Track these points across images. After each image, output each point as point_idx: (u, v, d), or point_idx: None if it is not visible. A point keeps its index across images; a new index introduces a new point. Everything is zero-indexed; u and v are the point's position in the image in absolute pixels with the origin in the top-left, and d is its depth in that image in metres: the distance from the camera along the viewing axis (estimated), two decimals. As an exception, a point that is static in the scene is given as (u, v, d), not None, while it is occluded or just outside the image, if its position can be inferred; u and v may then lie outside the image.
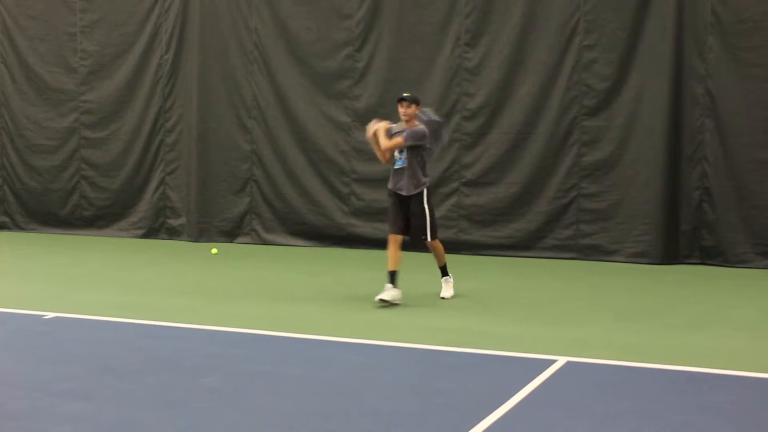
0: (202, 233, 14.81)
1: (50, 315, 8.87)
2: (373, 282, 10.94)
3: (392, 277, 9.63)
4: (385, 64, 13.77)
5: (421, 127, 9.71)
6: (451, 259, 12.91)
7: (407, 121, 9.73)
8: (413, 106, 9.70)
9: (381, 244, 13.80)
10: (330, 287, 10.58)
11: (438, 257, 10.04)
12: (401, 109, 9.73)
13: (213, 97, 14.71)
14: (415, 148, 9.61)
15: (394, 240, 9.72)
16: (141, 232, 15.29)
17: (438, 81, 13.48)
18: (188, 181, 14.93)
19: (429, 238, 9.77)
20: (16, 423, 5.64)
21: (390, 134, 9.79)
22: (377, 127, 9.76)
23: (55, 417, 5.76)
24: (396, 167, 9.71)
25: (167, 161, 15.17)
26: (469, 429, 5.48)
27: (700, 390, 6.49)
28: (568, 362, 7.14)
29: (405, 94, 9.80)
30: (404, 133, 9.63)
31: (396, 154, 9.72)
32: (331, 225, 14.08)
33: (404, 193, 9.66)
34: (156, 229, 15.27)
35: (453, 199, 13.51)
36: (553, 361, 7.13)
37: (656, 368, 7.04)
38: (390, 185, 9.79)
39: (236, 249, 14.12)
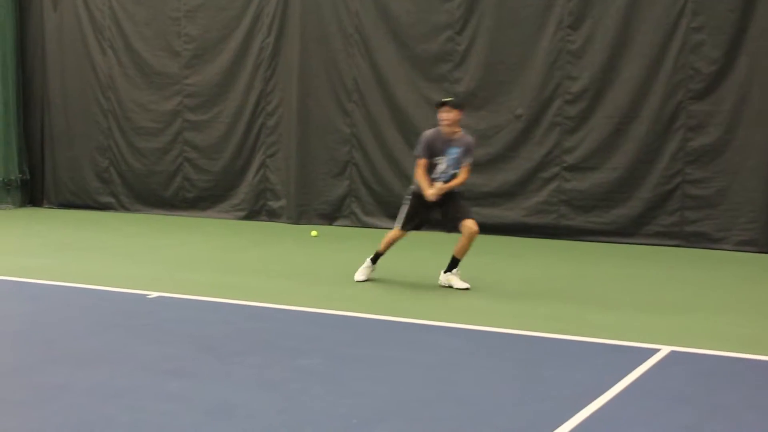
0: (301, 216, 14.91)
1: (154, 294, 9.02)
2: (474, 266, 10.86)
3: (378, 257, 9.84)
4: (485, 47, 13.63)
5: (471, 138, 9.44)
6: (550, 245, 12.81)
7: (448, 126, 9.23)
8: (455, 111, 9.18)
9: (481, 228, 13.61)
10: (431, 271, 10.51)
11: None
12: (443, 114, 9.21)
13: (313, 80, 14.77)
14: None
15: (401, 236, 9.71)
16: (242, 213, 15.45)
17: (540, 64, 13.29)
18: (288, 164, 15.03)
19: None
20: (118, 400, 5.75)
21: (431, 148, 9.30)
22: (434, 192, 9.31)
23: (157, 395, 5.85)
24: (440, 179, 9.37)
25: (268, 144, 15.30)
26: (569, 418, 5.39)
27: (811, 384, 6.28)
28: (672, 352, 6.98)
29: (447, 98, 9.39)
30: (467, 158, 9.30)
31: (442, 167, 9.31)
32: (430, 209, 14.02)
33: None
34: (256, 211, 15.42)
35: (554, 184, 13.32)
36: (656, 351, 6.97)
37: (763, 360, 6.84)
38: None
39: (336, 231, 14.17)
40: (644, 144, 12.77)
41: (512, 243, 13.05)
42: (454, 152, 9.25)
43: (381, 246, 9.81)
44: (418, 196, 9.50)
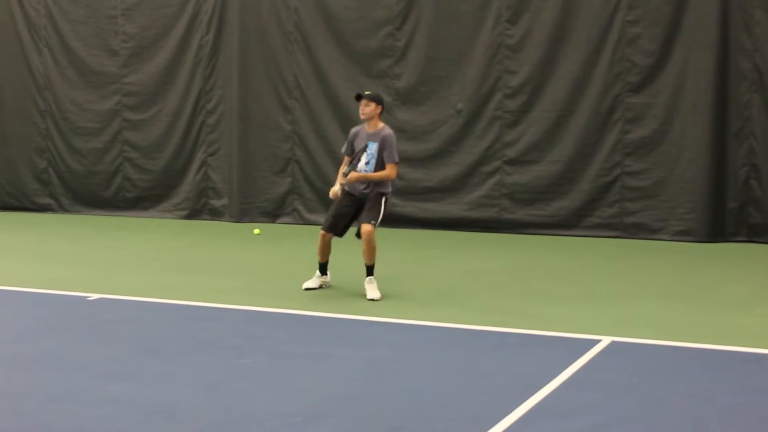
0: (244, 214, 14.83)
1: (94, 296, 8.92)
2: (414, 261, 10.89)
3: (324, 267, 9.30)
4: (425, 42, 13.66)
5: (389, 132, 8.97)
6: (492, 238, 12.89)
7: (368, 121, 8.96)
8: (372, 105, 8.88)
9: (423, 223, 13.80)
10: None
11: (370, 254, 8.90)
12: (360, 108, 8.94)
13: (253, 77, 14.69)
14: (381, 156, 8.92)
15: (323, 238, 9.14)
16: (184, 213, 15.33)
17: (479, 58, 13.35)
18: (230, 162, 14.94)
19: (375, 225, 8.85)
20: (57, 405, 5.67)
21: (353, 144, 9.05)
22: (337, 188, 8.97)
23: (97, 399, 5.78)
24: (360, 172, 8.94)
25: (209, 142, 15.19)
26: (513, 410, 5.43)
27: (748, 371, 6.38)
28: (613, 342, 7.05)
29: (366, 92, 9.11)
30: (385, 155, 8.84)
31: (362, 164, 8.91)
32: (373, 205, 14.02)
33: (365, 192, 8.96)
34: (198, 210, 15.31)
35: (495, 178, 13.40)
36: (597, 341, 7.04)
37: (703, 348, 6.94)
38: (347, 187, 8.99)
39: (278, 229, 14.12)
40: (583, 137, 12.89)
41: (455, 237, 13.09)
42: (372, 147, 8.95)
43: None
44: (344, 195, 9.10)
